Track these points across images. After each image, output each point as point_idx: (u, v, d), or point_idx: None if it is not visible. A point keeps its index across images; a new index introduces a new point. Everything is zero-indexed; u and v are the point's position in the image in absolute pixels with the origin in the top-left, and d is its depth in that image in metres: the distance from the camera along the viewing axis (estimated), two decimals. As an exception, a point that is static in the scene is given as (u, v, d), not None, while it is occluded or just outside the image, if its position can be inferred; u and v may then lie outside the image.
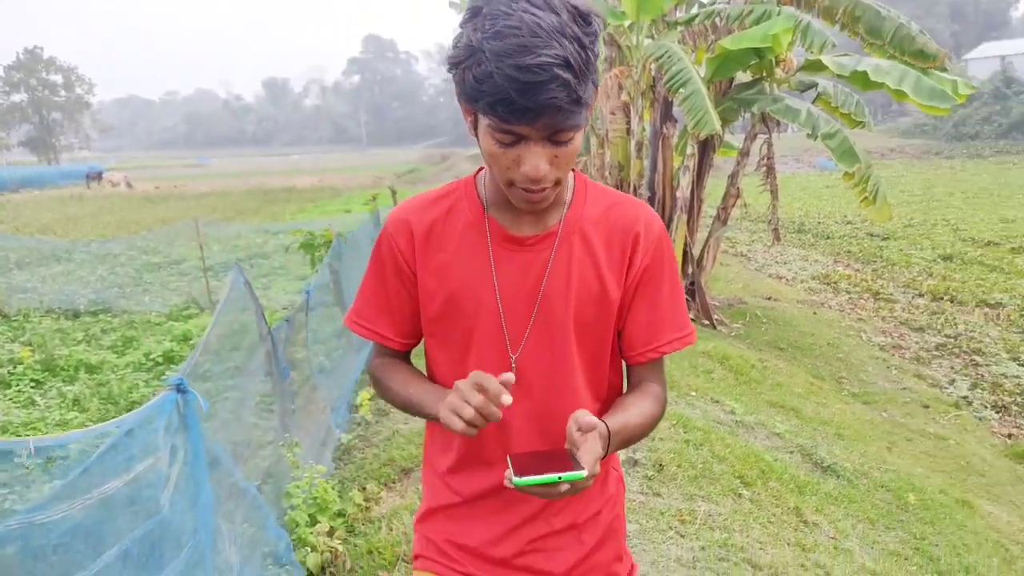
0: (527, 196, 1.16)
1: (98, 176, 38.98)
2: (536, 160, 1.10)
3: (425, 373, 1.42)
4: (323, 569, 2.91)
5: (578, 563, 1.38)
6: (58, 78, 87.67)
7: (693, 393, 5.67)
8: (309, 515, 3.07)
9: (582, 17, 1.04)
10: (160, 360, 7.32)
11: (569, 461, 1.11)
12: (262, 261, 13.56)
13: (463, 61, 1.06)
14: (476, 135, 1.16)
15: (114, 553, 1.85)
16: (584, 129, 1.14)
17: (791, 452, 5.00)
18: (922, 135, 50.43)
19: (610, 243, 1.28)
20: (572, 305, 1.27)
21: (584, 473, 1.06)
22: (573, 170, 1.29)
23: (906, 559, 3.96)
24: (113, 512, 1.86)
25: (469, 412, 1.10)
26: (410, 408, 1.34)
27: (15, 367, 7.19)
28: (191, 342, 7.79)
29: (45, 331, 8.64)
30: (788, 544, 3.42)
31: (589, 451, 1.09)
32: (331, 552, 2.94)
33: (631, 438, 1.27)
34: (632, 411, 1.27)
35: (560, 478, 1.06)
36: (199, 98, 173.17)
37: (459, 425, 1.11)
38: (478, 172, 1.34)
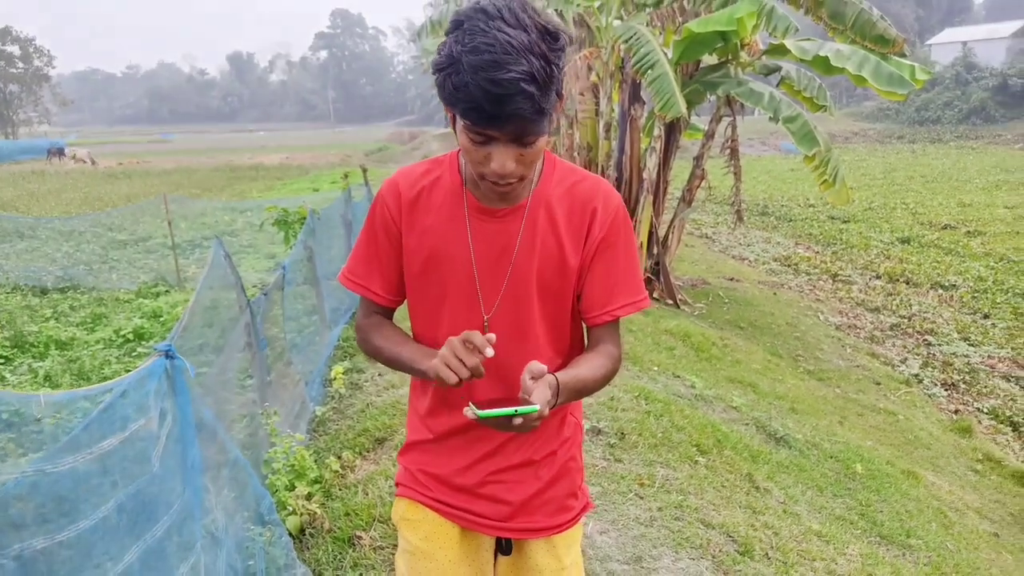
0: (495, 189, 1.35)
1: (59, 152, 38.12)
2: (503, 159, 1.27)
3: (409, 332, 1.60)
4: (302, 531, 3.06)
5: (535, 495, 1.55)
6: (15, 49, 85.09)
7: (655, 368, 5.89)
8: (288, 480, 3.21)
9: (551, 35, 1.21)
10: (131, 337, 7.34)
11: (521, 404, 1.28)
12: (230, 239, 13.53)
13: (444, 68, 1.22)
14: (455, 130, 1.33)
15: (111, 506, 1.99)
16: (548, 133, 1.32)
17: (746, 424, 5.25)
18: (885, 119, 51.28)
19: (571, 215, 1.45)
20: (535, 270, 1.43)
21: (537, 408, 1.23)
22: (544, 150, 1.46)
23: (851, 523, 4.22)
24: (110, 468, 1.99)
25: (465, 372, 1.26)
26: (399, 365, 1.51)
27: (-20, 344, 7.17)
28: (162, 319, 7.82)
29: (13, 308, 8.60)
30: (740, 507, 3.65)
31: (539, 396, 1.26)
32: (310, 515, 3.09)
33: (582, 389, 1.44)
34: (583, 367, 1.45)
35: (516, 411, 1.23)
36: (162, 72, 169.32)
37: (453, 379, 1.27)
38: (460, 150, 1.48)
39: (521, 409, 1.24)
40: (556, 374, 1.36)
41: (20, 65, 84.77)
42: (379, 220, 1.52)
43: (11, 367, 6.70)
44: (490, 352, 1.27)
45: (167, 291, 9.55)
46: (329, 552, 2.92)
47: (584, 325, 1.57)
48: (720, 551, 3.10)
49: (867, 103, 55.81)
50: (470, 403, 1.27)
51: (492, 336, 1.29)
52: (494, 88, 1.16)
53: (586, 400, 4.62)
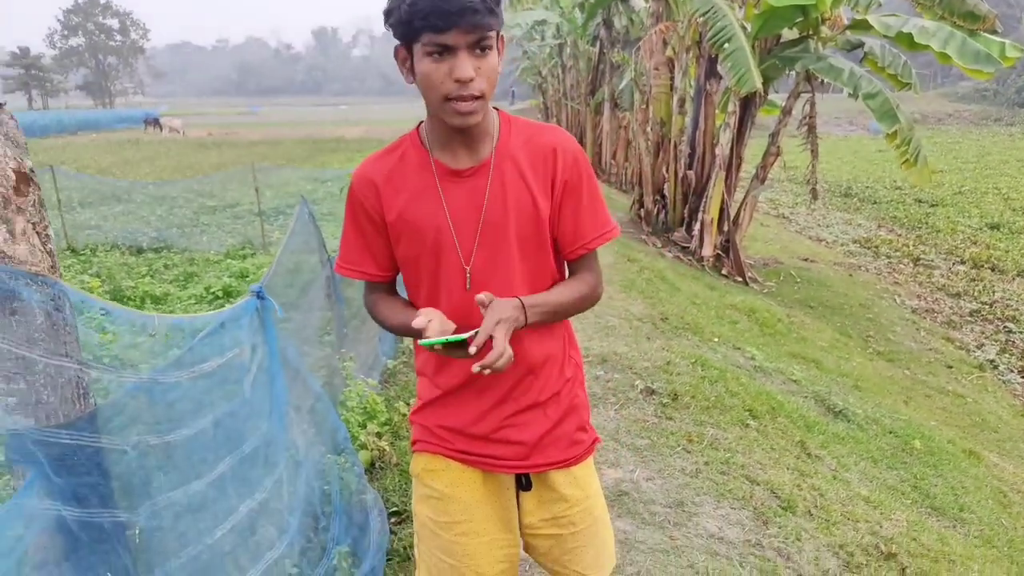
0: (459, 107, 1.42)
1: (155, 122, 39.91)
2: (463, 65, 1.38)
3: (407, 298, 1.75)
4: (372, 464, 3.34)
5: (546, 433, 1.68)
6: (114, 23, 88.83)
7: (716, 339, 5.98)
8: (360, 419, 3.50)
9: None
10: (220, 294, 7.82)
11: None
12: (312, 207, 14.02)
13: (394, 9, 1.38)
14: (414, 76, 1.45)
15: (209, 420, 2.28)
16: (500, 52, 1.45)
17: (805, 397, 5.31)
18: (982, 100, 48.82)
19: (534, 164, 1.57)
20: (512, 220, 1.56)
21: (470, 334, 1.39)
22: (497, 109, 1.59)
23: (903, 494, 4.27)
24: (211, 388, 2.28)
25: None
26: (403, 332, 1.67)
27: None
28: (248, 279, 8.29)
29: (112, 265, 9.24)
30: (788, 469, 3.76)
31: (491, 317, 1.42)
32: (379, 450, 3.37)
33: (557, 310, 1.60)
34: (555, 291, 1.62)
35: (448, 340, 1.39)
36: (250, 46, 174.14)
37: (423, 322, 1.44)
38: (419, 125, 1.61)
39: (453, 337, 1.38)
40: (520, 297, 1.52)
41: (118, 38, 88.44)
42: (359, 209, 1.62)
43: (110, 319, 7.23)
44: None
45: (253, 254, 10.07)
46: (395, 482, 3.20)
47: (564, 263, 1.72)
48: (762, 504, 3.24)
49: (963, 83, 53.19)
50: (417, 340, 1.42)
51: (483, 297, 1.45)
52: None
53: (641, 363, 4.82)
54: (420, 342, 1.42)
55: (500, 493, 1.74)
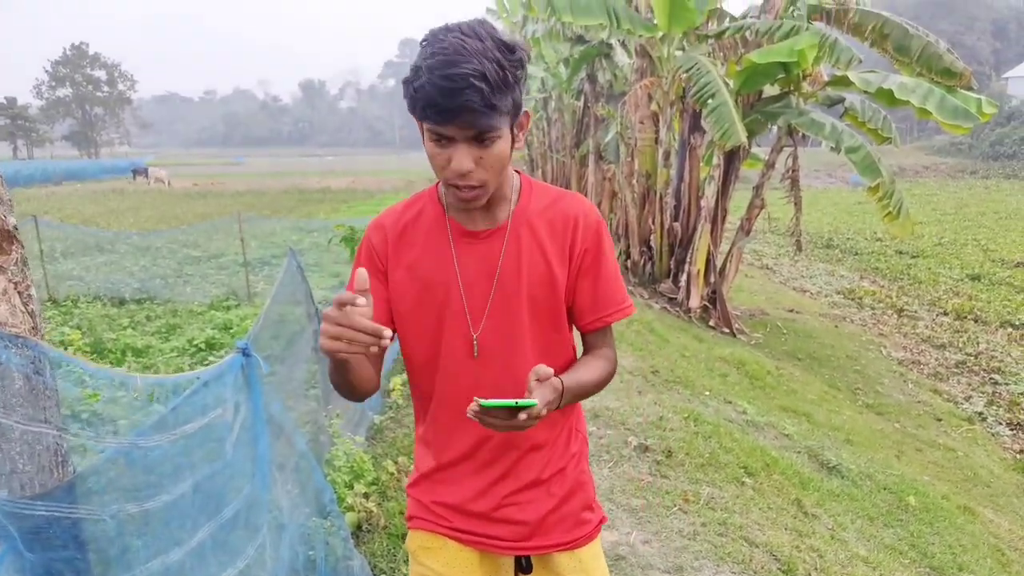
0: (459, 195, 1.40)
1: (144, 172, 40.06)
2: (461, 158, 1.34)
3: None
4: (359, 527, 3.23)
5: (550, 512, 1.58)
6: (102, 74, 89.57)
7: (707, 393, 5.92)
8: (347, 479, 3.40)
9: (506, 46, 1.33)
10: (203, 346, 7.70)
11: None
12: (299, 257, 13.96)
13: (411, 80, 1.33)
14: (426, 145, 1.41)
15: (189, 484, 2.19)
16: (514, 142, 1.40)
17: (798, 452, 5.24)
18: (958, 154, 49.87)
19: (553, 231, 1.51)
20: (524, 286, 1.49)
21: (536, 402, 1.30)
22: (519, 172, 1.55)
23: (901, 553, 4.18)
24: (190, 450, 2.19)
25: (334, 329, 1.21)
26: (348, 379, 1.48)
27: (65, 348, 7.62)
28: (232, 331, 8.18)
29: (93, 316, 9.09)
30: (785, 529, 3.68)
31: (541, 395, 1.34)
32: (367, 512, 3.26)
33: (583, 391, 1.52)
34: (583, 370, 1.53)
35: (516, 403, 1.29)
36: (237, 98, 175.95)
37: (328, 344, 1.22)
38: (439, 183, 1.54)
39: (521, 401, 1.29)
40: (560, 376, 1.43)
41: (105, 89, 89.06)
42: (365, 258, 1.56)
43: (90, 372, 7.08)
44: (361, 302, 1.21)
45: (237, 305, 9.96)
46: (383, 546, 3.08)
47: (578, 332, 1.64)
48: (762, 568, 3.15)
49: (938, 137, 54.40)
50: (475, 398, 1.30)
51: (362, 301, 1.22)
52: (446, 83, 1.26)
53: (633, 418, 4.74)
54: (482, 402, 1.29)
55: (497, 575, 1.65)
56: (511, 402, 1.30)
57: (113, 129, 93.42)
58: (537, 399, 1.31)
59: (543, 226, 1.52)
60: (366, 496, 3.35)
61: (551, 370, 1.37)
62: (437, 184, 1.57)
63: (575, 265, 1.53)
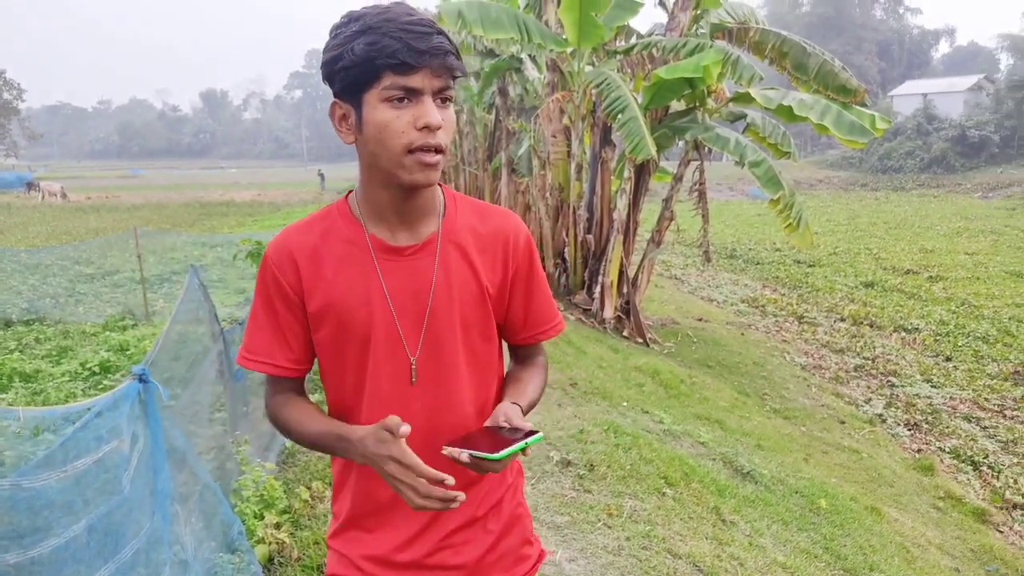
0: (424, 158, 1.27)
1: (35, 186, 37.83)
2: (430, 110, 1.24)
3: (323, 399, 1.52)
4: (271, 559, 3.05)
5: (487, 551, 1.47)
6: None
7: (625, 404, 5.95)
8: (257, 510, 3.21)
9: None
10: (97, 370, 7.24)
11: (504, 436, 1.26)
12: (202, 273, 13.42)
13: (343, 54, 1.23)
14: (357, 133, 1.29)
15: (82, 526, 1.99)
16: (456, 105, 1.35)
17: (714, 459, 5.31)
18: (849, 167, 52.57)
19: (483, 248, 1.43)
20: (456, 305, 1.40)
21: (542, 435, 1.24)
22: (441, 184, 1.42)
23: (815, 556, 4.28)
24: (83, 487, 2.00)
25: (422, 496, 1.20)
26: (320, 449, 1.41)
27: (-56, 374, 7.04)
28: (129, 352, 7.74)
29: (-25, 340, 8.46)
30: (706, 538, 3.70)
31: (524, 424, 1.28)
32: (278, 544, 3.08)
33: (532, 407, 1.47)
34: (530, 388, 1.48)
35: (527, 444, 1.22)
36: (134, 108, 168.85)
37: (419, 501, 1.21)
38: (348, 195, 1.43)
39: (531, 440, 1.22)
40: (516, 402, 1.37)
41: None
42: (273, 288, 1.39)
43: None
44: (405, 430, 1.20)
45: (134, 324, 9.46)
46: (298, 580, 2.92)
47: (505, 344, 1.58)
48: (686, 580, 3.14)
49: (831, 151, 57.25)
50: (445, 446, 1.23)
51: (406, 428, 1.21)
52: (414, 27, 1.21)
53: (555, 432, 4.70)
54: (499, 455, 1.19)
55: None
56: (522, 445, 1.21)
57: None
58: (532, 427, 1.27)
59: (472, 242, 1.42)
60: (278, 526, 3.17)
61: (517, 408, 1.34)
62: (345, 198, 1.43)
63: (507, 283, 1.46)
